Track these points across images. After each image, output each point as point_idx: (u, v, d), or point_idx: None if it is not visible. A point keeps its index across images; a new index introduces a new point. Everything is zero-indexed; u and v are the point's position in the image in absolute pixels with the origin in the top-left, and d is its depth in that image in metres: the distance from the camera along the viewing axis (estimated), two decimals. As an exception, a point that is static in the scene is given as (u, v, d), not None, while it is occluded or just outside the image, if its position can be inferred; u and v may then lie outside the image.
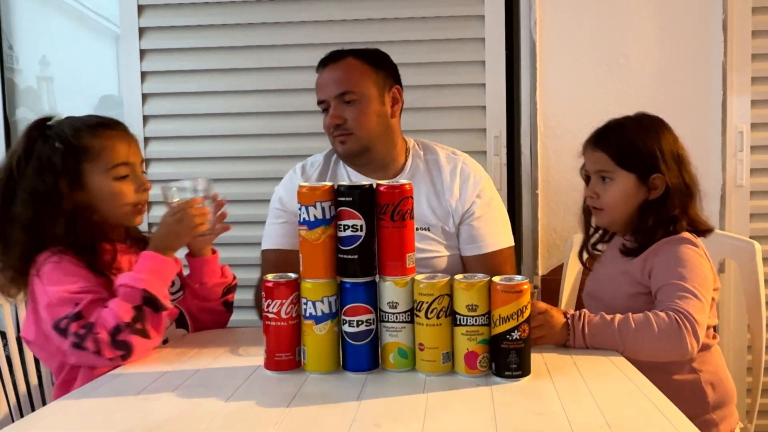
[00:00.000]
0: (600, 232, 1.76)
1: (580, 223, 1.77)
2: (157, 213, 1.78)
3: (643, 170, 1.59)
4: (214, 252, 1.64)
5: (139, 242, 1.62)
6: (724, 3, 2.17)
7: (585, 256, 1.77)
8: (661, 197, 1.59)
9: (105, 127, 1.54)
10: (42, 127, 1.53)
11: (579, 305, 1.92)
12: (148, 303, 1.39)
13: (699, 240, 1.57)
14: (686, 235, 1.56)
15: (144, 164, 1.60)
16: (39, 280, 1.44)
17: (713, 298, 1.54)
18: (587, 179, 1.69)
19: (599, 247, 1.77)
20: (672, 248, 1.53)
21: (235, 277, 1.69)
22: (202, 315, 1.65)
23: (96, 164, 1.50)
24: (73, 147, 1.49)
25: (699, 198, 1.62)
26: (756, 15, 2.20)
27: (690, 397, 1.53)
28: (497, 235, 1.81)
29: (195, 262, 1.63)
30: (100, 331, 1.35)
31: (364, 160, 1.79)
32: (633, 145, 1.60)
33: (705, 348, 1.56)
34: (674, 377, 1.54)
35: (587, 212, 1.73)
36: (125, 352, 1.36)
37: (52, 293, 1.41)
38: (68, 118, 1.56)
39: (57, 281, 1.42)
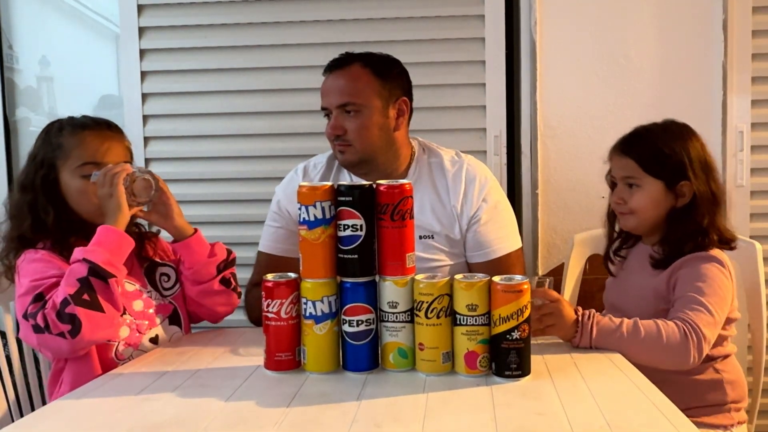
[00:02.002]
0: (622, 237, 1.73)
1: (604, 228, 1.76)
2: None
3: (671, 177, 1.58)
4: (195, 231, 1.60)
5: (135, 236, 1.61)
6: (724, 3, 2.17)
7: (609, 262, 1.75)
8: (688, 205, 1.58)
9: (85, 127, 1.55)
10: (53, 124, 1.58)
11: (582, 305, 1.91)
12: (94, 274, 1.36)
13: (727, 258, 1.56)
14: (715, 252, 1.55)
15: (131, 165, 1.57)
16: (17, 275, 1.48)
17: (732, 318, 1.57)
18: (613, 185, 1.68)
19: (621, 252, 1.75)
20: (697, 264, 1.53)
21: (231, 252, 1.64)
22: (205, 300, 1.61)
23: (66, 161, 1.53)
24: (52, 144, 1.54)
25: (725, 207, 1.61)
26: (756, 15, 2.20)
27: (711, 393, 1.59)
28: (505, 238, 1.80)
29: (179, 246, 1.59)
30: (49, 306, 1.35)
31: (364, 170, 1.78)
32: (660, 151, 1.58)
33: (726, 356, 1.61)
34: (697, 377, 1.57)
35: (611, 218, 1.72)
36: (72, 325, 1.34)
37: (23, 284, 1.43)
38: (69, 117, 1.59)
39: (30, 273, 1.44)
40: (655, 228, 1.63)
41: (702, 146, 1.61)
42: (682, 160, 1.57)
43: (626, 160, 1.62)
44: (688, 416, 1.06)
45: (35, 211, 1.51)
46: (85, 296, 1.35)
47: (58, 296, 1.35)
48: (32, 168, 1.54)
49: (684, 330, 1.40)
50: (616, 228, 1.73)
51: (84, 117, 1.59)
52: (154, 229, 1.69)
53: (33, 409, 1.60)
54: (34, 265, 1.45)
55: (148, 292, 1.59)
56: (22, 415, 1.59)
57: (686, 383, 1.56)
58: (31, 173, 1.54)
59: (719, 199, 1.60)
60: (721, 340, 1.60)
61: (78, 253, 1.40)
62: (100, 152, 1.53)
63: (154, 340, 1.56)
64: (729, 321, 1.59)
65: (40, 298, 1.38)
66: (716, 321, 1.46)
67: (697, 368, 1.55)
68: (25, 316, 1.39)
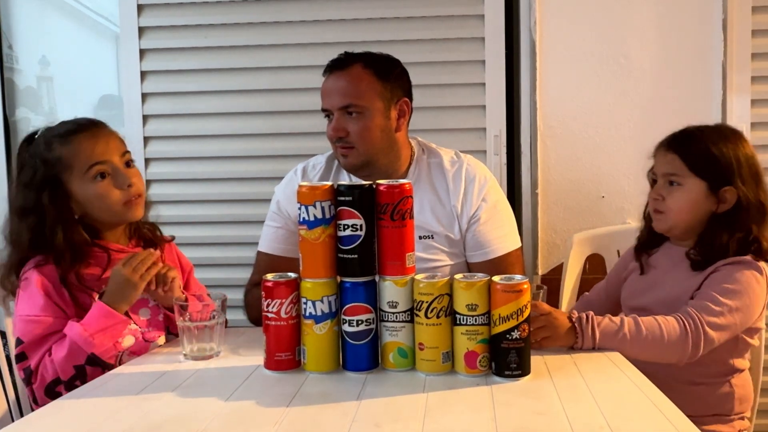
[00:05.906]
0: (654, 236, 1.68)
1: (640, 228, 1.71)
2: (165, 212, 1.76)
3: (715, 180, 1.53)
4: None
5: (148, 240, 1.61)
6: (724, 2, 2.17)
7: (639, 256, 1.70)
8: (731, 212, 1.53)
9: (73, 132, 1.51)
10: (28, 143, 1.54)
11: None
12: (92, 363, 1.38)
13: None
14: (762, 263, 1.51)
15: (127, 155, 1.54)
16: (20, 289, 1.48)
17: (756, 328, 1.55)
18: (653, 182, 1.64)
19: (650, 251, 1.70)
20: (735, 268, 1.49)
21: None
22: None
23: (72, 172, 1.49)
24: (48, 161, 1.49)
25: None
26: (756, 14, 2.20)
27: (719, 404, 1.58)
28: (504, 238, 1.80)
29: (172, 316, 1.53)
30: (37, 380, 1.40)
31: (366, 172, 1.76)
32: (709, 151, 1.54)
33: (742, 369, 1.60)
34: (711, 390, 1.57)
35: (649, 219, 1.66)
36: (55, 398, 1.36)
37: (18, 312, 1.46)
38: (45, 131, 1.54)
39: (25, 305, 1.45)
40: (689, 232, 1.59)
41: (753, 153, 1.56)
42: (730, 163, 1.53)
43: (672, 156, 1.57)
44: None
45: (40, 234, 1.47)
46: (77, 382, 1.37)
47: (47, 373, 1.39)
48: (32, 191, 1.48)
49: (684, 324, 1.39)
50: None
51: (63, 123, 1.54)
52: (168, 235, 1.69)
53: (33, 409, 1.60)
54: (30, 297, 1.44)
55: (154, 300, 1.57)
56: (22, 415, 1.59)
57: (698, 394, 1.55)
58: (31, 197, 1.48)
59: (767, 211, 1.55)
60: (742, 351, 1.59)
61: (83, 340, 1.37)
62: (99, 150, 1.50)
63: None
64: (753, 331, 1.57)
65: (23, 358, 1.42)
66: (728, 324, 1.43)
67: (713, 381, 1.56)
68: (15, 358, 1.44)
